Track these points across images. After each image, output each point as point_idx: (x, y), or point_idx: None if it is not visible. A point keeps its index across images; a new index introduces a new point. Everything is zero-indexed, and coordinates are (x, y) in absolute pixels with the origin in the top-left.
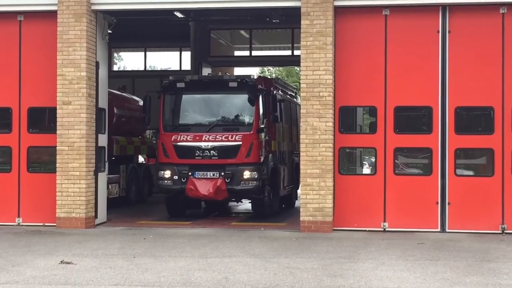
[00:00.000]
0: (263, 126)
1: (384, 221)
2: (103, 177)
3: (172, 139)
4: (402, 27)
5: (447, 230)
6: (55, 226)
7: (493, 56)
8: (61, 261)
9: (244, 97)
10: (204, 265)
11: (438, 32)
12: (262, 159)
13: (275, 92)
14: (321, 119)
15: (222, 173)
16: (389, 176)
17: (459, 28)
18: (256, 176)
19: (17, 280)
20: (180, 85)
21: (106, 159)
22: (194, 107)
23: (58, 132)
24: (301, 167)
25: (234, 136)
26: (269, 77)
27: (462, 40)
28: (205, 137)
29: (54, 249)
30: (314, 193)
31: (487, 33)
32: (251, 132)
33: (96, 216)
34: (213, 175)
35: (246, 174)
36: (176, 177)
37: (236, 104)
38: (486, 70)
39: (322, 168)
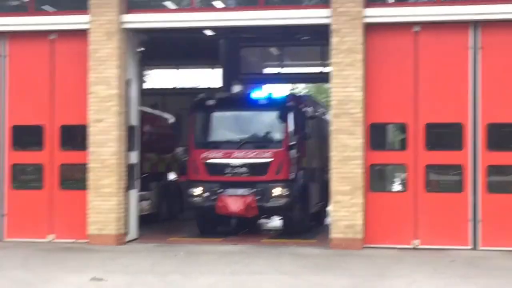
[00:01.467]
0: (293, 143)
1: (415, 239)
2: (134, 194)
3: (203, 156)
4: (433, 43)
5: (479, 248)
6: (86, 242)
7: None
8: (93, 278)
9: (274, 114)
10: (235, 283)
11: (469, 48)
12: (292, 176)
13: (305, 109)
14: (352, 136)
15: (252, 190)
16: (420, 193)
17: (490, 44)
18: (286, 193)
19: None
20: (210, 102)
21: (138, 176)
22: (225, 125)
23: (90, 149)
24: (332, 184)
25: (264, 153)
26: (299, 94)
27: (494, 56)
28: (236, 154)
29: (85, 265)
30: (345, 210)
31: None
32: (281, 149)
33: (127, 233)
34: (243, 192)
35: (277, 191)
36: (206, 194)
37: (266, 121)
38: None
39: (353, 185)
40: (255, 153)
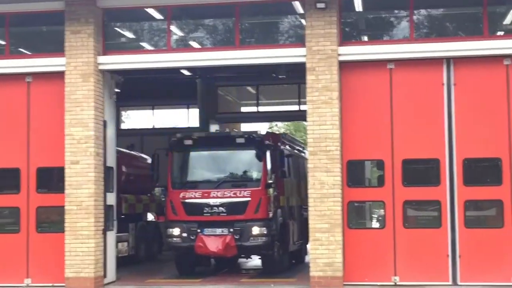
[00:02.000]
0: (271, 181)
1: (395, 275)
2: (112, 235)
3: (181, 196)
4: (407, 80)
5: (458, 283)
6: (64, 286)
7: (499, 107)
8: None
9: (252, 153)
10: None
11: (443, 84)
12: (271, 215)
13: (282, 147)
14: (329, 173)
15: (231, 230)
16: (399, 229)
17: (464, 80)
18: (265, 232)
19: None
20: (188, 142)
21: (115, 218)
22: (202, 164)
23: (66, 191)
24: (310, 221)
25: (243, 192)
26: (276, 132)
27: (468, 92)
28: (214, 193)
29: None
30: (323, 248)
31: (492, 84)
32: (259, 188)
33: (105, 276)
34: (222, 231)
35: (255, 230)
36: (185, 235)
37: (244, 160)
38: (492, 121)
39: (331, 223)
40: (233, 192)
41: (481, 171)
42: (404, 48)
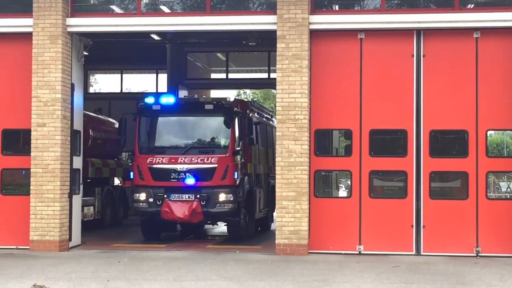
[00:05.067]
0: (238, 148)
1: (360, 244)
2: (77, 199)
3: (148, 162)
4: (377, 50)
5: (422, 253)
6: (28, 249)
7: (467, 80)
8: (34, 285)
9: (220, 119)
10: None
11: (413, 56)
12: (237, 182)
13: (251, 114)
14: (297, 142)
15: (198, 196)
16: (365, 199)
17: (433, 52)
18: (231, 199)
19: None
20: (156, 107)
21: (81, 182)
22: (170, 129)
23: (32, 154)
24: (277, 190)
25: (210, 158)
26: (245, 99)
27: (437, 64)
28: (181, 159)
29: (26, 272)
30: (290, 216)
31: (461, 57)
32: (226, 155)
33: (70, 239)
34: (189, 197)
35: (222, 196)
36: (151, 200)
37: (212, 126)
38: (460, 94)
39: (298, 191)
40: (200, 158)
41: (447, 143)
42: (375, 18)
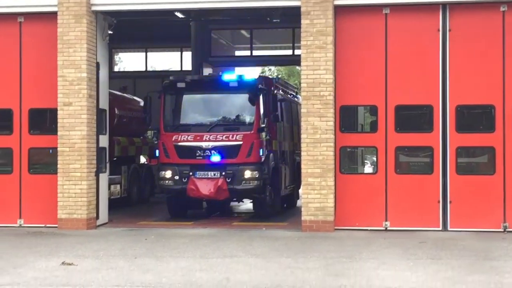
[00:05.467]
0: (263, 125)
1: (386, 220)
2: (104, 178)
3: (173, 139)
4: (403, 25)
5: (448, 229)
6: (56, 227)
7: (494, 54)
8: (63, 262)
9: (245, 96)
10: (205, 266)
11: (439, 30)
12: (263, 159)
13: (275, 91)
14: (322, 118)
15: (223, 173)
16: (390, 175)
17: (459, 26)
18: (257, 176)
19: (18, 282)
20: (181, 85)
21: (107, 160)
22: (195, 107)
23: (59, 133)
24: (302, 166)
25: (235, 135)
26: (269, 76)
27: (463, 38)
28: (206, 137)
29: (55, 250)
30: (316, 192)
31: (487, 31)
32: (251, 132)
33: (97, 217)
34: (214, 175)
35: (247, 173)
36: (177, 177)
37: (236, 103)
38: (487, 68)
39: (323, 168)
40: (225, 135)
41: (474, 118)
42: None
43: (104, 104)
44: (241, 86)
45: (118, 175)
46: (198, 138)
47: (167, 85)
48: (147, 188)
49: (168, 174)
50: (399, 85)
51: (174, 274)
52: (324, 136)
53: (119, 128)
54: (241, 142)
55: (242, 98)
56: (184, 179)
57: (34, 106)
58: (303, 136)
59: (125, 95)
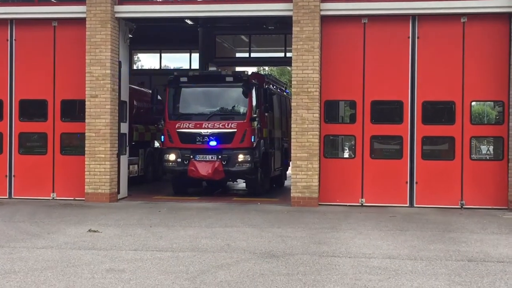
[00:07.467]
0: (255, 115)
1: (362, 197)
2: (124, 159)
3: (176, 127)
4: (378, 33)
5: (415, 205)
6: (84, 200)
7: (455, 58)
8: (89, 230)
9: (239, 90)
10: (210, 234)
11: (409, 37)
12: (254, 144)
13: (266, 86)
14: (309, 111)
15: (220, 157)
16: (366, 159)
17: (426, 34)
18: (249, 159)
19: (52, 245)
20: (183, 79)
21: (127, 144)
22: (195, 99)
23: (86, 121)
24: (292, 151)
25: (230, 124)
26: (261, 73)
27: (429, 44)
28: (205, 125)
29: (83, 219)
30: (303, 173)
31: (450, 39)
32: (244, 121)
33: (118, 192)
34: (212, 158)
35: (240, 157)
36: (179, 160)
37: (232, 96)
38: (449, 70)
39: (310, 152)
40: (222, 124)
41: (437, 112)
42: (377, 6)
43: (124, 96)
44: (236, 81)
45: (136, 156)
46: (198, 126)
47: (171, 79)
48: (160, 168)
49: (172, 157)
50: (375, 84)
51: (183, 240)
52: (310, 126)
53: (137, 117)
54: (235, 130)
55: (236, 92)
56: (186, 162)
57: (65, 97)
58: (293, 125)
59: (142, 89)
